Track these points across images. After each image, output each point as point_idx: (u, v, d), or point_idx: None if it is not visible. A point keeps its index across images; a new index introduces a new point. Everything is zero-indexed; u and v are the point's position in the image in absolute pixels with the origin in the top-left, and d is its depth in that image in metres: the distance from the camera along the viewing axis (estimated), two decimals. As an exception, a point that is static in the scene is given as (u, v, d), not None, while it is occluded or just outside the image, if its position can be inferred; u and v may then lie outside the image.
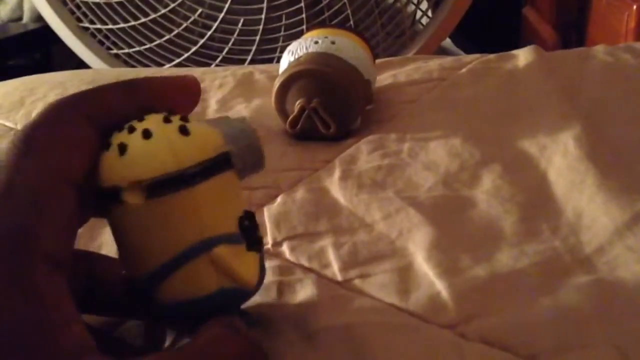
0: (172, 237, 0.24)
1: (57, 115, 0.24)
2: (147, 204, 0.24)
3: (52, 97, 0.61)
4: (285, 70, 0.50)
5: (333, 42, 0.52)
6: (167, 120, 0.25)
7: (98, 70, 1.13)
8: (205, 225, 0.25)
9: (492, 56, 0.64)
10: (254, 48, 1.29)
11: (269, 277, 0.33)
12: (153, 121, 0.25)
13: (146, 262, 0.25)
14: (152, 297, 0.25)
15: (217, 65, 1.25)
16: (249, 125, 0.27)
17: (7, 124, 0.58)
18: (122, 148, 0.24)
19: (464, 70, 0.62)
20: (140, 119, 0.25)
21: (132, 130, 0.24)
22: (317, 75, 0.49)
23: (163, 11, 1.30)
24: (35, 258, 0.21)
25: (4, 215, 0.21)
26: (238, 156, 0.26)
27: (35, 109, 0.59)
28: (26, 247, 0.21)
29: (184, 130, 0.25)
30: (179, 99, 0.27)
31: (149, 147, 0.24)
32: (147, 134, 0.24)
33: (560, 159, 0.44)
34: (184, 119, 0.26)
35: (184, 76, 0.28)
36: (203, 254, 0.25)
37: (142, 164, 0.24)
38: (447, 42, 1.63)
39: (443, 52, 1.51)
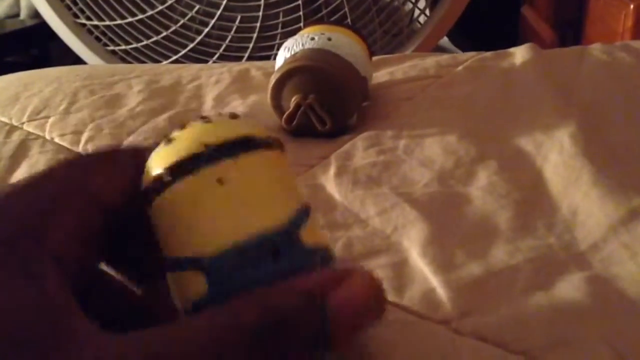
0: (289, 195, 0.24)
1: (107, 152, 0.25)
2: (275, 154, 0.24)
3: (48, 92, 0.61)
4: (281, 66, 0.50)
5: (329, 39, 0.52)
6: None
7: (94, 66, 1.12)
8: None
9: (488, 54, 0.64)
10: (251, 45, 1.29)
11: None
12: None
13: (278, 213, 0.23)
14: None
15: (214, 62, 1.25)
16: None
17: (2, 118, 0.58)
18: (232, 115, 0.24)
19: (460, 67, 0.62)
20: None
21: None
22: (313, 72, 0.49)
23: (160, 8, 1.30)
24: (42, 250, 0.21)
25: (21, 208, 0.22)
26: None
27: (31, 104, 0.59)
28: (35, 239, 0.21)
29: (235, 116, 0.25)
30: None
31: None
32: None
33: (556, 156, 0.44)
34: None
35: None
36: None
37: (258, 125, 0.24)
38: (445, 41, 1.63)
39: (441, 50, 1.51)
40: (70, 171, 0.23)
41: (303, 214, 0.24)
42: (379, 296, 0.21)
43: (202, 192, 0.23)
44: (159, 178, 0.23)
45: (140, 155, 0.25)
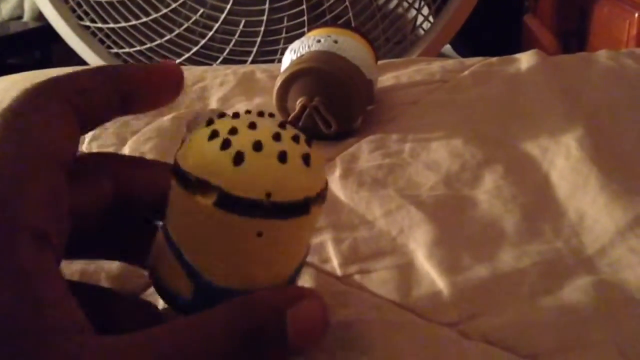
0: (300, 252, 0.26)
1: (40, 99, 0.24)
2: (318, 211, 0.25)
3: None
4: (287, 68, 0.50)
5: (336, 41, 0.52)
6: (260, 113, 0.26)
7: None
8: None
9: (494, 59, 0.64)
10: (255, 49, 1.29)
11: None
12: (270, 128, 0.24)
13: (285, 271, 0.25)
14: None
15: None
16: None
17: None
18: (307, 159, 0.24)
19: (466, 72, 0.62)
20: (252, 126, 0.24)
21: (259, 144, 0.23)
22: (319, 74, 0.49)
23: (164, 11, 1.30)
24: (18, 232, 0.21)
25: None
26: None
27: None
28: (7, 221, 0.21)
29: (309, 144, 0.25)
30: (160, 87, 0.27)
31: (320, 156, 0.25)
32: (308, 143, 0.25)
33: (563, 161, 0.44)
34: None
35: (165, 64, 0.27)
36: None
37: (323, 173, 0.25)
38: (447, 49, 1.63)
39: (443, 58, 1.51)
40: (19, 136, 0.23)
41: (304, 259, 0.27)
42: (326, 317, 0.25)
43: (240, 235, 0.24)
44: (205, 182, 0.23)
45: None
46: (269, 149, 0.23)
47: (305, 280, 0.33)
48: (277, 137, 0.24)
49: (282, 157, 0.23)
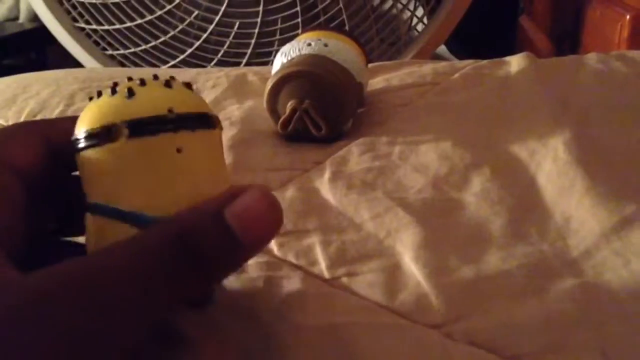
0: (224, 172, 0.27)
1: (17, 127, 0.28)
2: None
3: (46, 94, 0.61)
4: (278, 71, 0.51)
5: (326, 45, 0.52)
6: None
7: (92, 69, 1.13)
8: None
9: (485, 62, 0.65)
10: (249, 51, 1.29)
11: (257, 272, 0.34)
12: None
13: (214, 191, 0.25)
14: None
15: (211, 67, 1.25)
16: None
17: (-1, 120, 0.58)
18: (188, 86, 0.27)
19: (456, 75, 0.62)
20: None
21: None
22: (309, 77, 0.49)
23: (159, 13, 1.30)
24: None
25: None
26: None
27: (28, 106, 0.59)
28: None
29: (189, 86, 0.27)
30: None
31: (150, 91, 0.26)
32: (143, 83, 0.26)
33: (550, 164, 0.44)
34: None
35: None
36: None
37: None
38: (442, 49, 1.64)
39: (438, 59, 1.51)
40: None
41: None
42: (273, 204, 0.24)
43: (161, 156, 0.25)
44: (111, 127, 0.24)
45: (49, 124, 0.28)
46: (154, 82, 0.26)
47: (294, 282, 0.33)
48: (155, 78, 0.26)
49: (168, 83, 0.26)
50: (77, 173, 0.26)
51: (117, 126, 0.24)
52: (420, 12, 1.33)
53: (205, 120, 0.26)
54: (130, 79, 0.26)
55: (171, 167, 0.25)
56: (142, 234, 0.23)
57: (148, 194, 0.25)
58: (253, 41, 1.28)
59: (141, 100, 0.25)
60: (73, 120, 0.26)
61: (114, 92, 0.25)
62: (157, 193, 0.25)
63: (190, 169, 0.25)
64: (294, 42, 0.54)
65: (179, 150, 0.25)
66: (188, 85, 0.27)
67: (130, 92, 0.25)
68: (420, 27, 1.34)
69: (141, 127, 0.24)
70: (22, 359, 0.19)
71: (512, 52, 0.67)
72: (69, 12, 1.35)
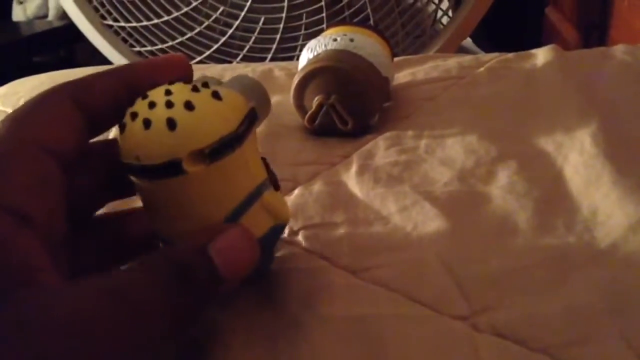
0: (231, 193, 0.27)
1: (44, 97, 0.26)
2: (208, 168, 0.26)
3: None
4: (304, 67, 0.51)
5: (352, 40, 0.52)
6: (195, 89, 0.27)
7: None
8: (253, 175, 0.28)
9: (510, 55, 0.64)
10: (274, 47, 1.30)
11: (284, 264, 0.34)
12: (180, 93, 0.26)
13: (209, 221, 0.27)
14: None
15: (237, 63, 1.26)
16: (254, 79, 0.30)
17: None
18: (171, 123, 0.25)
19: (482, 69, 0.62)
20: (166, 93, 0.26)
21: (153, 105, 0.26)
22: (335, 72, 0.49)
23: (185, 9, 1.31)
24: None
25: None
26: (257, 108, 0.29)
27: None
28: None
29: (217, 96, 0.27)
30: (167, 79, 0.28)
31: (198, 117, 0.26)
32: (189, 106, 0.26)
33: (577, 156, 0.44)
34: (205, 85, 0.27)
35: (171, 56, 0.29)
36: (256, 200, 0.28)
37: (197, 134, 0.26)
38: (468, 42, 1.63)
39: (463, 51, 1.50)
40: (14, 126, 0.25)
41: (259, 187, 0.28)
42: (250, 244, 0.26)
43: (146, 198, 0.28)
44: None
45: (79, 87, 0.27)
46: (141, 117, 0.26)
47: (322, 274, 0.34)
48: (168, 104, 0.26)
49: (147, 123, 0.25)
50: (112, 136, 0.28)
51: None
52: (445, 4, 1.33)
53: (170, 169, 0.25)
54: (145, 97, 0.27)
55: (156, 205, 0.27)
56: (132, 268, 0.24)
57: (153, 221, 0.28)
58: (278, 36, 1.29)
59: (123, 139, 0.26)
60: (103, 77, 0.27)
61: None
62: (157, 223, 0.28)
63: (172, 208, 0.27)
64: (320, 38, 0.55)
65: (152, 193, 0.27)
66: (215, 94, 0.27)
67: (122, 128, 0.26)
68: (445, 20, 1.33)
69: (125, 169, 0.26)
70: None
71: (539, 44, 0.67)
72: (97, 10, 1.37)
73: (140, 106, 0.26)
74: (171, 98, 0.26)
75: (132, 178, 0.27)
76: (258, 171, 0.29)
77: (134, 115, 0.26)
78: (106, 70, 0.28)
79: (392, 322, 0.30)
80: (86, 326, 0.20)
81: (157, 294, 0.23)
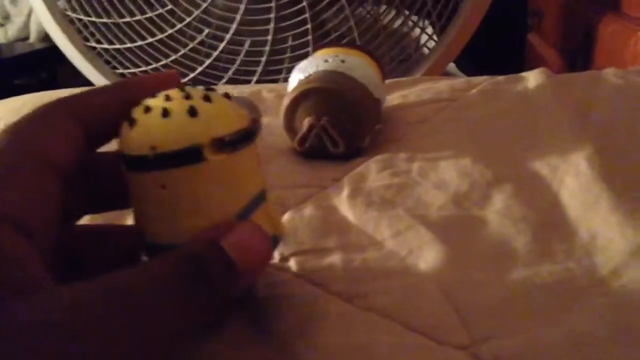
0: (244, 189, 0.27)
1: (44, 110, 0.27)
2: (227, 158, 0.26)
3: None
4: (295, 88, 0.50)
5: (343, 61, 0.52)
6: (209, 89, 0.28)
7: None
8: (260, 177, 0.28)
9: (501, 78, 0.64)
10: (260, 69, 1.29)
11: (276, 291, 0.33)
12: (194, 90, 0.27)
13: (221, 215, 0.26)
14: None
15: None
16: (248, 98, 0.31)
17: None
18: (192, 110, 0.25)
19: (474, 91, 0.61)
20: (167, 97, 0.27)
21: (169, 99, 0.26)
22: (326, 93, 0.49)
23: (170, 31, 1.31)
24: None
25: None
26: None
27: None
28: None
29: (228, 96, 0.27)
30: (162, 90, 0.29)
31: (217, 108, 0.26)
32: (207, 98, 0.26)
33: (573, 180, 0.43)
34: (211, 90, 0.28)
35: (166, 72, 0.30)
36: (262, 204, 0.28)
37: (219, 122, 0.26)
38: (451, 67, 1.64)
39: (447, 76, 1.51)
40: (16, 138, 0.25)
41: (262, 194, 0.28)
42: (263, 238, 0.26)
43: (148, 192, 0.26)
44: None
45: (79, 101, 0.28)
46: (158, 108, 0.26)
47: (315, 301, 0.32)
48: (187, 97, 0.26)
49: (166, 112, 0.26)
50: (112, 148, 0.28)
51: (123, 155, 0.26)
52: (430, 30, 1.33)
53: (191, 155, 0.25)
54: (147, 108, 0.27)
55: (161, 202, 0.26)
56: (145, 266, 0.24)
57: (150, 222, 0.27)
58: (264, 59, 1.29)
59: (136, 133, 0.26)
60: (100, 93, 0.28)
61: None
62: (158, 224, 0.27)
63: (181, 202, 0.26)
64: (310, 59, 0.54)
65: (163, 187, 0.26)
66: (227, 96, 0.28)
67: (133, 122, 0.26)
68: (430, 44, 1.33)
69: (130, 164, 0.26)
70: None
71: (521, 69, 0.67)
72: (80, 32, 1.36)
73: (154, 102, 0.26)
74: (188, 92, 0.27)
75: (136, 176, 0.26)
76: (262, 176, 0.29)
77: (147, 109, 0.26)
78: (102, 86, 0.29)
79: (388, 351, 0.29)
80: (84, 328, 0.20)
81: (164, 292, 0.22)
